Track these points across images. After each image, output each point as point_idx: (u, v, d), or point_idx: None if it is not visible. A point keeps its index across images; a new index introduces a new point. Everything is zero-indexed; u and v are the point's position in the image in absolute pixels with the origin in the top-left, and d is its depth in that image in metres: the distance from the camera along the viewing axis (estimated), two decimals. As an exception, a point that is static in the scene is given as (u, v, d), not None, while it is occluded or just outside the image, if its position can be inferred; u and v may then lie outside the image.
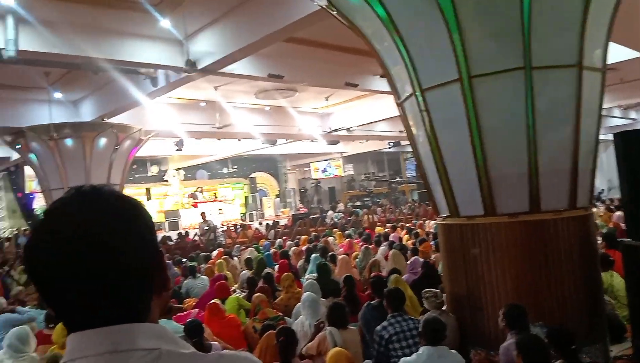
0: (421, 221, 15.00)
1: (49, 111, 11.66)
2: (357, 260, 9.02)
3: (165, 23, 8.07)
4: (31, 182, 20.54)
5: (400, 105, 5.33)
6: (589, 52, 4.26)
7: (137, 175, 23.56)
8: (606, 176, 24.66)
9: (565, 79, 4.29)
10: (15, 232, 20.59)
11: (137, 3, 7.60)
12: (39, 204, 21.22)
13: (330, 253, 9.06)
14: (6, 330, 5.00)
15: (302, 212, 24.89)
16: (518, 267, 4.38)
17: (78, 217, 0.79)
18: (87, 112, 12.94)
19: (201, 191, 25.46)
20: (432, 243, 9.68)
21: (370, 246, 9.82)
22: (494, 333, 4.11)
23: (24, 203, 22.16)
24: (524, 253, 4.38)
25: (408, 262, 7.55)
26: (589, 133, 4.52)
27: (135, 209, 0.88)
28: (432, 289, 4.58)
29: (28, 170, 18.29)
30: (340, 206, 27.23)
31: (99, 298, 0.78)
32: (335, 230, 15.11)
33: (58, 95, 12.19)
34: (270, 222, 19.31)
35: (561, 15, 4.15)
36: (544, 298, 4.35)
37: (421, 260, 7.21)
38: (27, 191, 21.57)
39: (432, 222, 13.30)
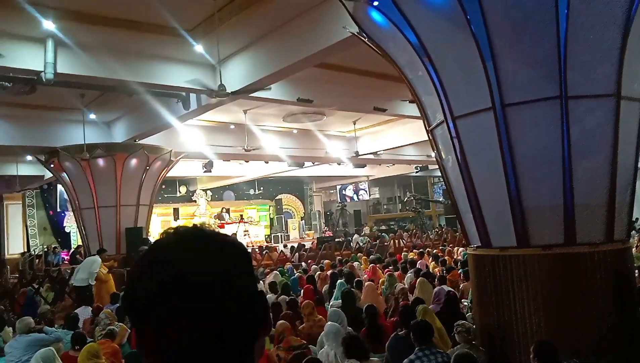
0: (449, 248, 14.73)
1: (83, 131, 11.96)
2: (382, 287, 8.88)
3: (198, 48, 8.24)
4: (63, 200, 20.99)
5: (430, 132, 5.29)
6: (628, 81, 4.16)
7: (165, 195, 23.88)
8: (641, 206, 23.89)
9: (602, 109, 4.19)
10: (46, 249, 21.02)
11: (172, 28, 7.79)
12: (69, 222, 21.65)
13: (355, 279, 8.94)
14: (33, 350, 5.05)
15: (327, 235, 24.78)
16: (552, 301, 4.23)
17: (184, 267, 0.76)
18: (119, 134, 13.24)
19: (227, 212, 25.63)
20: (460, 271, 9.48)
21: (395, 273, 9.67)
22: (527, 370, 3.96)
23: (55, 221, 22.69)
24: (559, 287, 4.24)
25: (435, 290, 7.39)
26: (626, 164, 4.38)
27: (242, 256, 0.84)
28: (464, 322, 4.45)
29: (60, 188, 18.75)
30: (366, 230, 27.03)
31: (201, 352, 0.74)
32: (360, 254, 14.97)
33: (92, 116, 12.51)
34: (295, 245, 19.25)
35: (599, 45, 4.08)
36: (579, 334, 4.19)
37: (446, 289, 7.04)
38: (58, 209, 22.07)
39: (461, 249, 13.05)
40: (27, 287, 11.04)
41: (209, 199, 26.00)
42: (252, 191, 28.49)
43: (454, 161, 4.81)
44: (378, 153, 18.45)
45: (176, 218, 23.98)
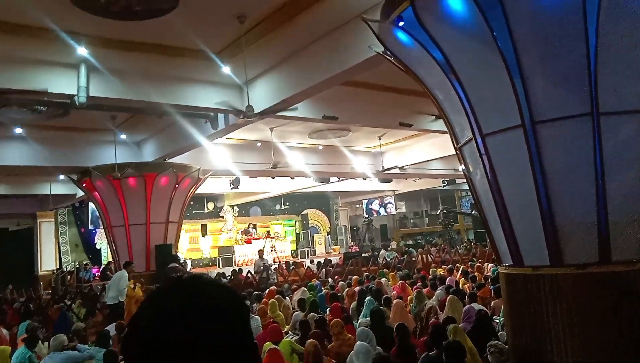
0: (479, 264, 14.49)
1: (114, 151, 12.26)
2: (411, 305, 8.77)
3: (226, 69, 8.40)
4: (94, 218, 21.49)
5: (459, 149, 5.26)
6: (661, 96, 4.08)
7: (194, 211, 24.19)
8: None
9: (634, 124, 4.11)
10: (77, 266, 21.49)
11: (200, 51, 7.97)
12: (100, 239, 22.11)
13: (384, 297, 8.85)
14: (67, 368, 5.16)
15: (354, 250, 24.67)
16: (587, 322, 4.13)
17: (179, 320, 0.81)
18: (149, 153, 13.52)
19: (254, 228, 25.80)
20: (491, 287, 9.32)
21: (424, 290, 9.55)
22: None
23: (87, 238, 23.22)
24: (594, 307, 4.14)
25: (465, 309, 7.27)
26: (662, 180, 4.28)
27: (236, 305, 0.89)
28: (497, 342, 4.38)
29: (92, 206, 19.17)
30: (393, 245, 26.82)
31: None
32: (387, 270, 14.84)
33: (123, 136, 12.83)
34: (322, 260, 19.21)
35: (630, 60, 4.01)
36: (615, 356, 4.07)
37: (477, 308, 6.92)
38: (89, 227, 22.58)
39: (490, 265, 12.83)
40: (59, 303, 11.28)
41: (236, 215, 26.23)
42: (278, 207, 28.63)
43: (483, 178, 4.77)
44: (404, 167, 18.37)
45: (204, 234, 24.24)
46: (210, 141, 11.71)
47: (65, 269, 21.58)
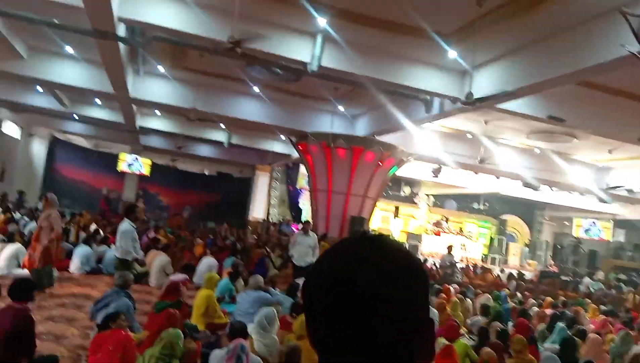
0: None
1: (331, 121, 13.05)
2: (612, 345, 7.64)
3: (452, 53, 8.17)
4: (302, 179, 23.38)
5: None
6: None
7: (390, 192, 24.65)
8: None
9: None
10: (281, 220, 23.73)
11: (427, 31, 7.84)
12: (304, 200, 24.02)
13: (579, 327, 7.89)
14: (258, 306, 5.75)
15: (552, 271, 22.48)
16: None
17: (360, 261, 0.77)
18: (361, 128, 14.08)
19: (446, 221, 25.24)
20: None
21: (632, 332, 8.22)
22: None
23: (293, 196, 25.48)
24: None
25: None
26: None
27: (417, 267, 0.82)
28: None
29: (302, 169, 20.87)
30: (600, 275, 23.64)
31: (355, 344, 0.75)
32: (588, 300, 13.15)
33: (341, 108, 13.55)
34: (514, 271, 17.92)
35: None
36: None
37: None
38: (297, 187, 24.69)
39: None
40: (262, 249, 12.61)
41: (431, 204, 25.97)
42: (475, 205, 27.50)
43: None
44: (634, 190, 15.89)
45: (396, 215, 24.58)
46: (421, 124, 11.65)
47: (271, 220, 24.09)
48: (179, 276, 6.56)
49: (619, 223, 26.79)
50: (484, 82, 8.50)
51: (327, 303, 0.76)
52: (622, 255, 29.42)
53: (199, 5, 7.72)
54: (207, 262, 9.88)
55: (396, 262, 0.78)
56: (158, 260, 9.84)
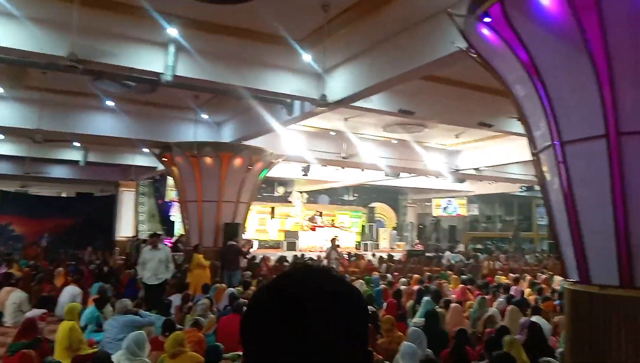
0: (547, 276, 13.83)
1: (195, 130, 12.78)
2: (471, 310, 8.54)
3: (306, 57, 8.50)
4: (171, 191, 22.57)
5: (535, 155, 5.03)
6: None
7: (264, 194, 24.82)
8: None
9: None
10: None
11: (282, 38, 8.10)
12: (175, 212, 23.20)
13: (444, 299, 8.68)
14: (128, 331, 5.50)
15: (418, 249, 24.32)
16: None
17: (305, 293, 0.79)
18: (227, 134, 13.99)
19: (320, 215, 26.08)
20: (556, 302, 8.90)
21: (487, 297, 9.26)
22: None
23: (163, 210, 24.49)
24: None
25: (521, 321, 6.95)
26: None
27: (354, 296, 0.85)
28: (549, 359, 4.19)
29: (170, 180, 20.14)
30: (460, 247, 26.12)
31: None
32: (450, 272, 14.50)
33: (204, 116, 13.34)
34: (384, 255, 19.09)
35: None
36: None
37: (529, 320, 6.58)
38: (166, 199, 23.78)
39: (560, 278, 12.20)
40: (131, 270, 11.96)
41: (305, 201, 26.63)
42: (346, 197, 28.75)
43: (559, 188, 4.54)
44: (480, 168, 17.79)
45: (272, 216, 24.84)
46: (285, 126, 11.92)
47: (140, 237, 22.89)
48: (36, 312, 6.04)
49: (472, 199, 29.82)
50: (337, 84, 8.98)
51: (272, 341, 0.77)
52: (478, 227, 32.79)
53: (35, 21, 7.15)
54: (70, 291, 9.14)
55: (341, 300, 0.81)
56: (13, 296, 8.89)
